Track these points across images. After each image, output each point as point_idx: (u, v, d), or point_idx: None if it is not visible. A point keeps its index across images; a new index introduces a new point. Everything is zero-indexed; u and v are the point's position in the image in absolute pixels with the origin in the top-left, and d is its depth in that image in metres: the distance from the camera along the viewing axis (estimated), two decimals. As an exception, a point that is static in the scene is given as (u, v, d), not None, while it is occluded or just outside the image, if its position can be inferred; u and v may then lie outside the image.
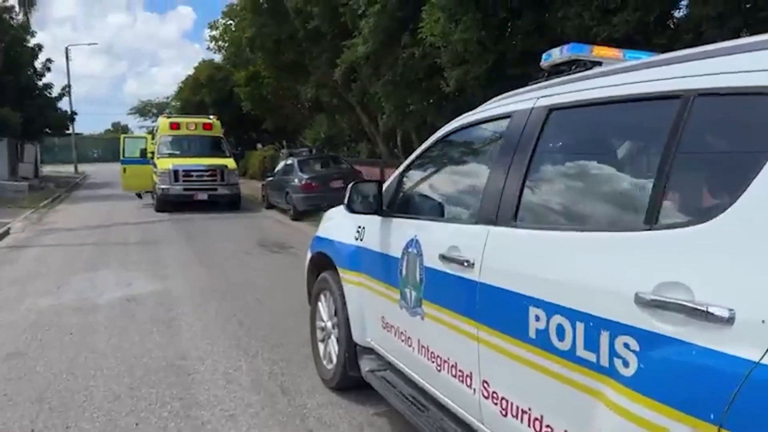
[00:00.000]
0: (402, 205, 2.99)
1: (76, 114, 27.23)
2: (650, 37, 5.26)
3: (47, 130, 26.69)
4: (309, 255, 4.15)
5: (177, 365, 4.24)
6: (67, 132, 30.82)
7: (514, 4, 6.37)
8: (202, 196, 14.46)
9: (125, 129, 78.23)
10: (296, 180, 13.01)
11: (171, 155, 15.04)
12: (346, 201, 3.04)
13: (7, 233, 11.54)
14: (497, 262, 2.05)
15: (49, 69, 25.57)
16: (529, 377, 1.85)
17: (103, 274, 7.60)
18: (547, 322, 1.76)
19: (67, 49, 35.03)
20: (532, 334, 1.83)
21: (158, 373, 4.07)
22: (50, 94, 25.76)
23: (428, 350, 2.54)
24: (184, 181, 14.25)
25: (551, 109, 2.04)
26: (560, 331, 1.71)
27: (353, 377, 3.40)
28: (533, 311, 1.82)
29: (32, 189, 20.66)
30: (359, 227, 3.32)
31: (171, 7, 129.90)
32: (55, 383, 3.95)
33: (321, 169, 13.78)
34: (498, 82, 6.74)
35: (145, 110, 73.23)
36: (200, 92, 29.13)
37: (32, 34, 25.35)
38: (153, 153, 15.29)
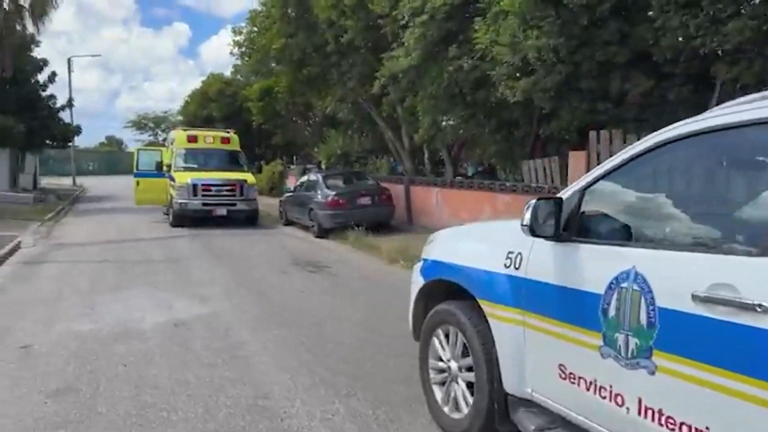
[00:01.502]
0: (591, 227, 2.49)
1: (80, 127, 26.61)
2: (763, 49, 4.86)
3: (49, 141, 26.04)
4: (419, 282, 3.63)
5: (262, 406, 3.68)
6: (68, 144, 30.09)
7: (600, 12, 5.97)
8: (221, 211, 13.88)
9: (120, 142, 77.88)
10: (321, 196, 12.48)
11: (188, 169, 14.47)
12: (527, 222, 2.53)
13: (17, 247, 10.92)
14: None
15: (52, 81, 25.05)
16: None
17: (135, 294, 7.02)
18: None
19: (69, 60, 34.61)
20: None
21: (245, 417, 3.51)
22: (54, 105, 25.17)
23: (661, 414, 2.02)
24: (203, 195, 13.68)
25: None
26: None
27: None
28: None
29: (34, 201, 19.99)
30: (511, 253, 2.81)
31: (166, 22, 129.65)
32: (126, 430, 3.38)
33: (346, 185, 13.25)
34: (570, 94, 6.30)
35: (141, 124, 72.90)
36: (209, 106, 28.68)
37: (37, 44, 24.89)
38: (169, 166, 14.72)
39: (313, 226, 12.75)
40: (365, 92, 13.76)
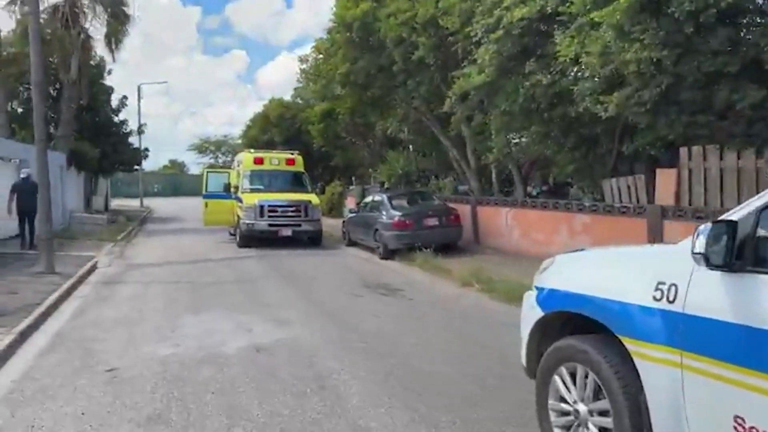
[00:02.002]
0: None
1: (148, 150, 27.72)
2: None
3: (120, 165, 27.18)
4: (535, 314, 3.30)
5: (362, 445, 3.43)
6: (136, 168, 31.35)
7: (706, 17, 5.53)
8: (287, 232, 13.94)
9: (182, 165, 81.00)
10: (387, 217, 12.29)
11: (254, 190, 14.67)
12: (700, 249, 2.19)
13: (94, 267, 11.23)
14: None
15: (124, 106, 26.22)
16: None
17: (213, 317, 6.96)
18: None
19: (139, 88, 36.13)
20: None
21: (346, 457, 3.27)
22: (125, 130, 26.33)
23: None
24: (269, 216, 13.79)
25: None
26: None
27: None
28: None
29: (108, 222, 20.78)
30: (662, 284, 2.47)
31: (225, 50, 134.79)
32: (224, 465, 3.20)
33: (412, 205, 13.03)
34: (668, 107, 5.85)
35: (203, 147, 75.61)
36: (270, 130, 29.30)
37: (109, 72, 26.17)
38: (237, 187, 14.95)
39: (378, 247, 12.55)
40: (431, 111, 13.61)
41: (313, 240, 14.65)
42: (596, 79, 6.93)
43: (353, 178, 24.20)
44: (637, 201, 9.04)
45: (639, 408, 2.54)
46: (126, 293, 8.64)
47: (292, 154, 16.21)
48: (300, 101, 31.06)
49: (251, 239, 13.97)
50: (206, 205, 15.85)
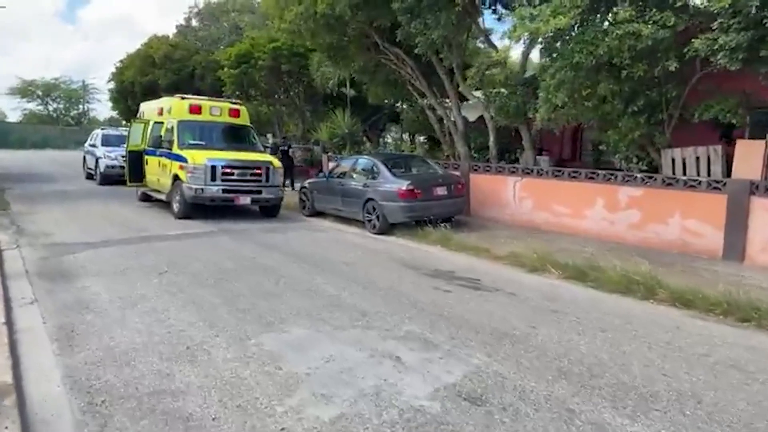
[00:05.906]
0: None
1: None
2: None
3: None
4: None
5: None
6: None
7: None
8: (245, 200, 11.35)
9: (-1, 112, 68.32)
10: (389, 186, 10.33)
11: (194, 146, 11.68)
12: None
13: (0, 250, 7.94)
14: None
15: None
16: None
17: (307, 337, 4.82)
18: None
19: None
20: None
21: None
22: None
23: None
24: (223, 180, 11.04)
25: None
26: None
27: None
28: None
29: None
30: None
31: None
32: None
33: (410, 171, 11.20)
34: None
35: (27, 91, 63.61)
36: (152, 72, 24.84)
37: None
38: (171, 142, 11.77)
39: (369, 220, 10.64)
40: (438, 59, 11.68)
41: (269, 210, 12.22)
42: (747, 33, 5.84)
43: (267, 136, 21.34)
44: (708, 174, 8.33)
45: None
46: (103, 294, 5.98)
47: (234, 103, 13.29)
48: (188, 40, 26.82)
49: (194, 209, 11.18)
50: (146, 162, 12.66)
